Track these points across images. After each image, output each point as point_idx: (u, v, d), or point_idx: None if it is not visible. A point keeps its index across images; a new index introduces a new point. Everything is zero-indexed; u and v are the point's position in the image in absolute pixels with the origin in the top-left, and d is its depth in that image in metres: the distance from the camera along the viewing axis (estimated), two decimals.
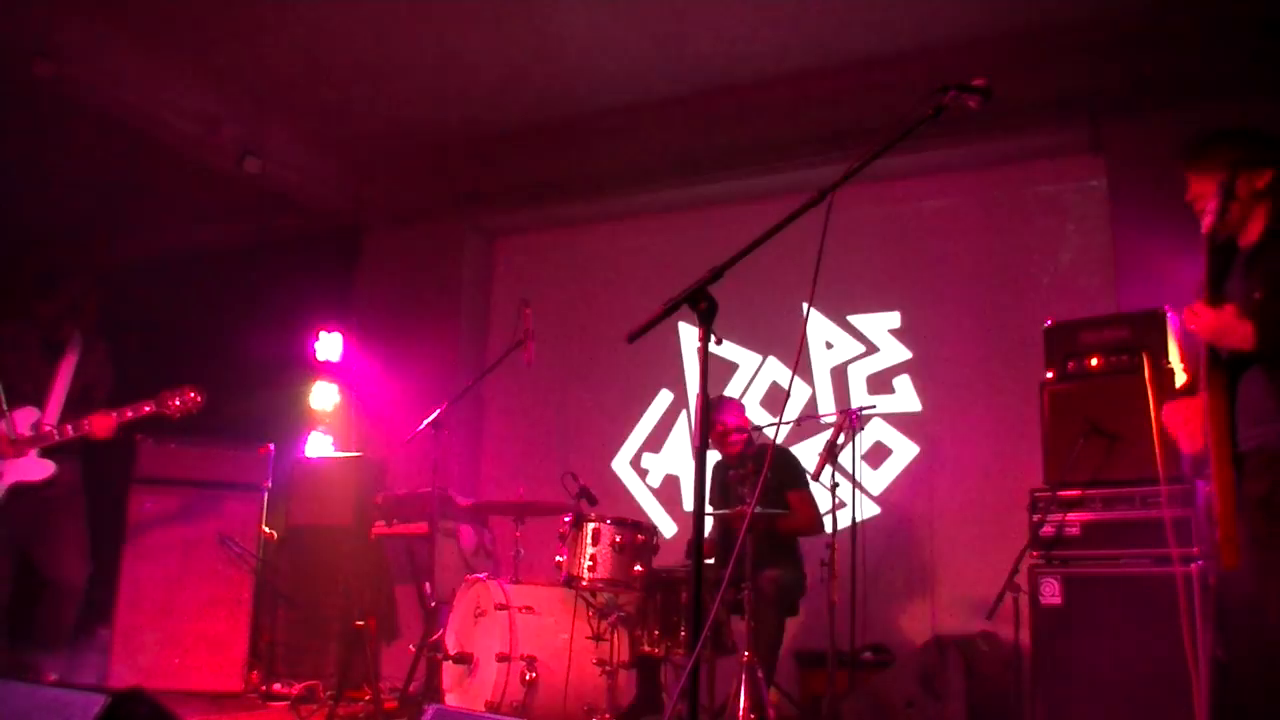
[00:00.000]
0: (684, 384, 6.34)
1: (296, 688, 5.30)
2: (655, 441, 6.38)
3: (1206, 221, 2.49)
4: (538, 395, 6.65)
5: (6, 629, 4.25)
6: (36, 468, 4.23)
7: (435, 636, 4.65)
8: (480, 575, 4.48)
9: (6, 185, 6.09)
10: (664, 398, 6.39)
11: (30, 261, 4.48)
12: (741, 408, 5.02)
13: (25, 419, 4.26)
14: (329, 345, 6.80)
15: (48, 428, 4.25)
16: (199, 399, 4.34)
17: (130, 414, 4.28)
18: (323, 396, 6.74)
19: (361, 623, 4.88)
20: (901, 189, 5.82)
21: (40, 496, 4.29)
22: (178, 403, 4.30)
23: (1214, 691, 3.54)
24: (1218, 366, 2.54)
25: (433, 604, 4.89)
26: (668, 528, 6.13)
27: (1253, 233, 2.68)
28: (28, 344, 4.37)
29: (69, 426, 4.25)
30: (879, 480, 5.71)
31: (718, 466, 5.09)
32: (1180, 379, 3.91)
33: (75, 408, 4.33)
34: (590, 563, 4.11)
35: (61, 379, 4.34)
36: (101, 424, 4.25)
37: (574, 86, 5.88)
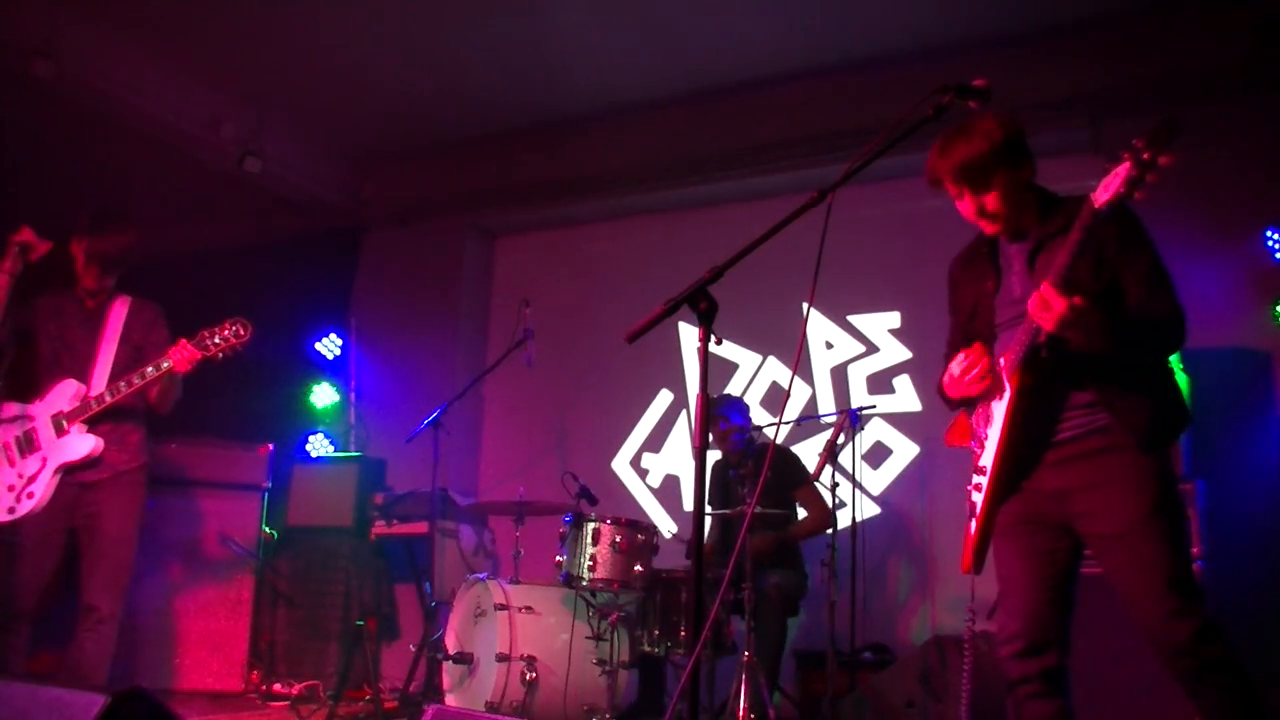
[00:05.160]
0: (684, 384, 6.34)
1: (296, 688, 5.31)
2: (655, 441, 6.38)
3: (1103, 198, 2.23)
4: (538, 395, 6.65)
5: (29, 634, 3.69)
6: (77, 444, 3.64)
7: (435, 636, 4.66)
8: (480, 575, 4.48)
9: (5, 185, 6.09)
10: (664, 397, 6.40)
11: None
12: (745, 406, 5.03)
13: (65, 393, 3.70)
14: (329, 345, 6.81)
15: (91, 396, 3.66)
16: (244, 332, 3.58)
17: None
18: (323, 396, 6.75)
19: (361, 623, 4.88)
20: (901, 189, 5.81)
21: (80, 484, 3.67)
22: (218, 341, 3.57)
23: None
24: (1031, 365, 2.44)
25: (433, 604, 4.90)
26: (667, 528, 6.13)
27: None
28: (66, 312, 3.83)
29: (123, 383, 3.60)
30: (879, 480, 5.71)
31: (718, 466, 5.10)
32: (1183, 381, 3.91)
33: (126, 374, 3.68)
34: (590, 563, 4.11)
35: (106, 345, 3.76)
36: (181, 356, 3.55)
37: (574, 87, 5.88)
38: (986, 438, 2.56)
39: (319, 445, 6.57)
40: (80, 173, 6.54)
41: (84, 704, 2.17)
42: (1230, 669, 2.30)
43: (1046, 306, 2.30)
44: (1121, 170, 2.20)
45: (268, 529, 5.75)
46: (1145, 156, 2.16)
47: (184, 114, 5.95)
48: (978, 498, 2.57)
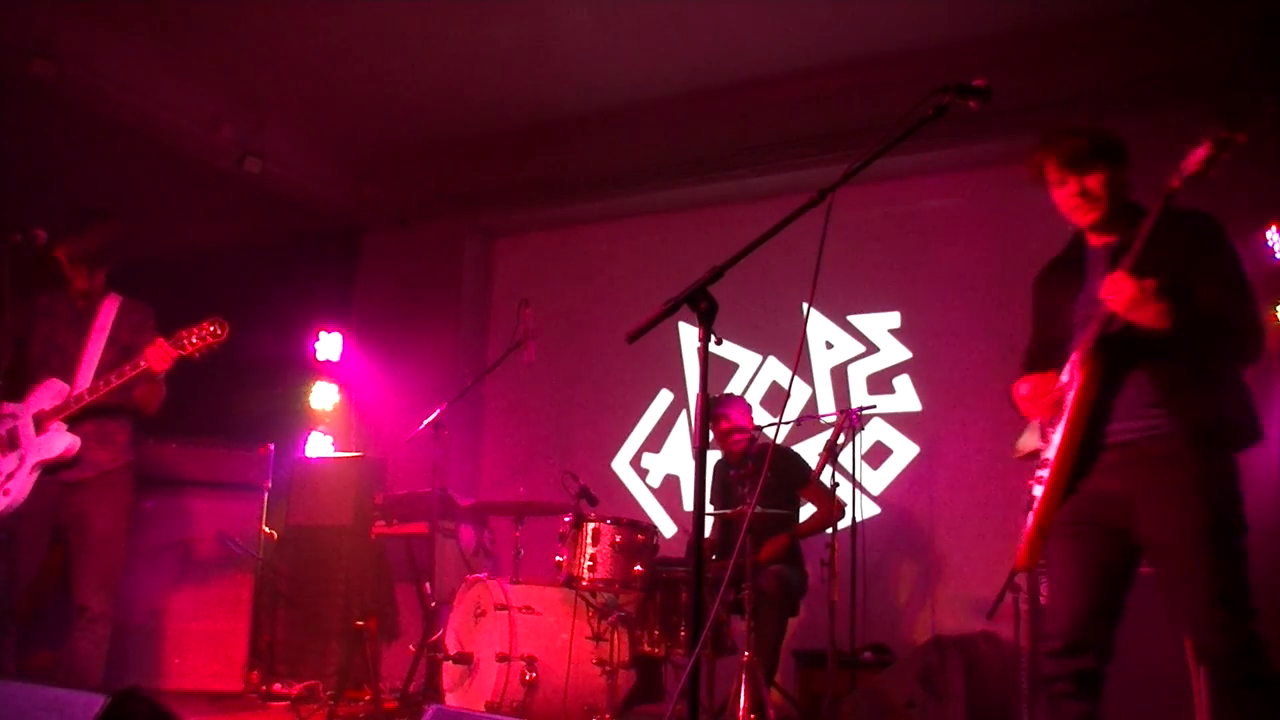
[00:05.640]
0: (684, 384, 6.34)
1: (296, 688, 5.30)
2: (655, 441, 6.38)
3: (1187, 171, 2.33)
4: (538, 395, 6.65)
5: (17, 634, 3.69)
6: (54, 442, 3.62)
7: (435, 636, 4.65)
8: (480, 575, 4.48)
9: (5, 185, 6.09)
10: (664, 397, 6.39)
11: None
12: (747, 406, 5.03)
13: (49, 392, 3.70)
14: (329, 345, 6.81)
15: (72, 395, 3.65)
16: (220, 331, 3.59)
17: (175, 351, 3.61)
18: (323, 396, 6.75)
19: (361, 623, 4.88)
20: (901, 189, 5.82)
21: (64, 483, 3.66)
22: (195, 340, 3.58)
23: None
24: (1100, 351, 2.45)
25: (433, 604, 4.89)
26: (668, 528, 6.13)
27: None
28: (58, 313, 3.83)
29: (101, 381, 3.61)
30: (879, 480, 5.71)
31: (719, 465, 5.10)
32: None
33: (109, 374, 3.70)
34: (590, 563, 4.10)
35: (92, 345, 3.75)
36: (157, 355, 3.55)
37: (574, 86, 5.87)
38: (1053, 430, 2.57)
39: (319, 445, 6.57)
40: (80, 173, 6.55)
41: (83, 704, 2.17)
42: (1266, 687, 2.28)
43: (1118, 289, 2.34)
44: (1200, 151, 2.30)
45: (268, 529, 5.75)
46: (1224, 136, 2.26)
47: (184, 114, 5.94)
48: (1038, 491, 2.57)
